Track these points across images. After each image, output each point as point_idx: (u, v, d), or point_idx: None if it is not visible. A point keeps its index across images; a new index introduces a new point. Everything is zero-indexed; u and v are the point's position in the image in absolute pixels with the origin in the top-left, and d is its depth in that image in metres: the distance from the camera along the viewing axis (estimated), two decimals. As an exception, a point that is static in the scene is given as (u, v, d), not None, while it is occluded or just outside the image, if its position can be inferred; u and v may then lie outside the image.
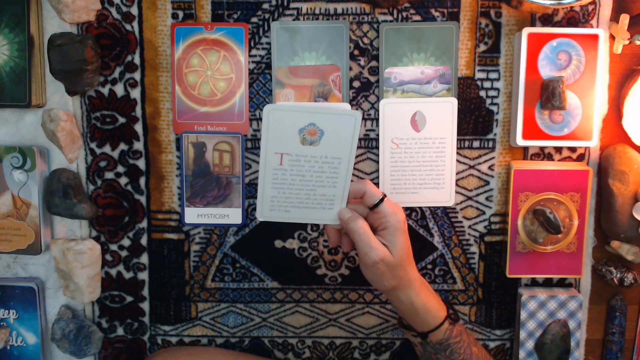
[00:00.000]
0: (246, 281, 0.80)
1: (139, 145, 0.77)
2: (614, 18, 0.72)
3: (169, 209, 0.79)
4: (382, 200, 0.63)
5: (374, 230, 0.64)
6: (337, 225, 0.67)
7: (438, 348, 0.65)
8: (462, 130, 0.76)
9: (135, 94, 0.76)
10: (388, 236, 0.62)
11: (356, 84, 0.75)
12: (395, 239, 0.62)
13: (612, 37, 0.72)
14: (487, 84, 0.75)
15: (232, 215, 0.77)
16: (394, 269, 0.63)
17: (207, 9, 0.75)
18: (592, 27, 0.73)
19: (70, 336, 0.79)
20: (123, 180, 0.78)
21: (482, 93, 0.75)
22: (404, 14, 0.74)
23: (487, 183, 0.77)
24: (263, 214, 0.67)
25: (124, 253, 0.80)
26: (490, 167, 0.76)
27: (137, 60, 0.76)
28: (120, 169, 0.78)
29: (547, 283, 0.79)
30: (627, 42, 0.71)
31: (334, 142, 0.64)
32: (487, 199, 0.77)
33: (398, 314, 0.68)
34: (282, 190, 0.66)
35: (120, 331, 0.82)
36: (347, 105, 0.71)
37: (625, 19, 0.70)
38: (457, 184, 0.77)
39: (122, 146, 0.77)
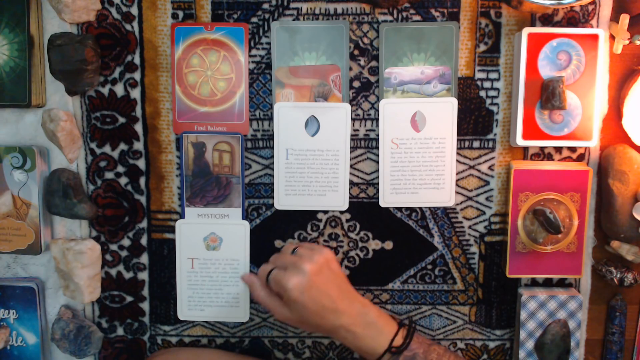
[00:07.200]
0: (246, 281, 0.80)
1: (139, 145, 0.77)
2: (614, 18, 0.72)
3: (169, 209, 0.79)
4: (268, 278, 0.70)
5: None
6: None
7: None
8: (462, 130, 0.76)
9: (135, 94, 0.76)
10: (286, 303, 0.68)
11: (356, 84, 0.75)
12: (289, 307, 0.67)
13: (612, 37, 0.72)
14: (487, 84, 0.75)
15: (232, 215, 0.77)
16: (304, 324, 0.68)
17: (207, 9, 0.75)
18: (592, 27, 0.73)
19: (70, 336, 0.79)
20: (123, 180, 0.78)
21: (482, 93, 0.75)
22: (404, 14, 0.74)
23: (487, 183, 0.77)
24: (183, 314, 0.79)
25: (124, 253, 0.80)
26: (490, 167, 0.76)
27: (137, 60, 0.76)
28: (120, 169, 0.78)
29: (547, 283, 0.79)
30: (627, 42, 0.71)
31: (231, 248, 0.77)
32: (487, 199, 0.77)
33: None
34: (196, 290, 0.78)
35: (120, 331, 0.82)
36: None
37: (625, 19, 0.70)
38: (457, 184, 0.77)
39: (122, 146, 0.77)
